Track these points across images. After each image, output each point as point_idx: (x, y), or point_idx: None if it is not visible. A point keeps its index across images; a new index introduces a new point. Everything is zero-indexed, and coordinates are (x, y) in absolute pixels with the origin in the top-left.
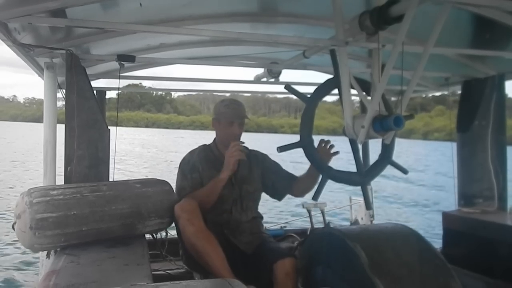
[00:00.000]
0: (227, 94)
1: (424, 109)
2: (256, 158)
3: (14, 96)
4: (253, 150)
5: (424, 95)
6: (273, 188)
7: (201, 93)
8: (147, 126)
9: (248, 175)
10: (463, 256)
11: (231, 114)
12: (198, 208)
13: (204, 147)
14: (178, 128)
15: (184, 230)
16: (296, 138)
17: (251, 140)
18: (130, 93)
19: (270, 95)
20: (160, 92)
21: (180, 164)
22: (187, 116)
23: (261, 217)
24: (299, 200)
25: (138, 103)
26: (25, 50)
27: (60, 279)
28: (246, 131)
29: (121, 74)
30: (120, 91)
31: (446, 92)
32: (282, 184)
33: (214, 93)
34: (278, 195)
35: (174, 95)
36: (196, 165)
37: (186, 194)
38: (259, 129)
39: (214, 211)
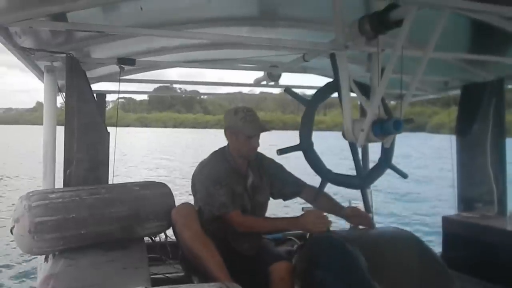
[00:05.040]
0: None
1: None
2: (263, 165)
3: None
4: (261, 156)
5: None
6: (279, 194)
7: (230, 92)
8: (174, 126)
9: (259, 184)
10: (463, 261)
11: (250, 129)
12: (194, 212)
13: (219, 157)
14: (205, 127)
15: (181, 235)
16: (319, 135)
17: (276, 138)
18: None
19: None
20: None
21: (200, 179)
22: (214, 115)
23: None
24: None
25: (168, 104)
26: (26, 54)
27: (58, 283)
28: (272, 128)
29: (121, 78)
30: (120, 94)
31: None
32: (289, 190)
33: (244, 93)
34: (284, 198)
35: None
36: (222, 180)
37: (229, 212)
38: (285, 126)
39: (220, 220)
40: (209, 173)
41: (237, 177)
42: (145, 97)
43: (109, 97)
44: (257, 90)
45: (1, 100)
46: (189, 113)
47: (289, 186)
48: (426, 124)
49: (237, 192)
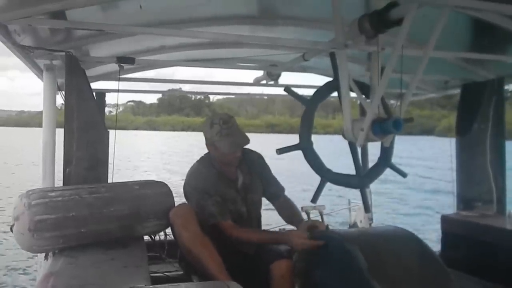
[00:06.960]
0: (227, 96)
1: None
2: (253, 162)
3: (62, 104)
4: (248, 151)
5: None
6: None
7: (239, 96)
8: (183, 130)
9: (250, 183)
10: (462, 260)
11: (226, 145)
12: (193, 213)
13: (206, 164)
14: None
15: (179, 235)
16: (327, 138)
17: (282, 143)
18: (170, 97)
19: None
20: (198, 96)
21: (189, 190)
22: None
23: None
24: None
25: (177, 107)
26: (25, 52)
27: (58, 281)
28: (279, 132)
29: (120, 76)
30: (119, 92)
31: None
32: (270, 190)
33: (251, 96)
34: (266, 197)
35: (213, 98)
36: (210, 189)
37: (218, 221)
38: (291, 130)
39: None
40: (196, 184)
41: (226, 181)
42: (154, 100)
43: (119, 100)
44: (226, 94)
45: (13, 103)
46: (197, 117)
47: (271, 187)
48: (435, 127)
49: (229, 197)
